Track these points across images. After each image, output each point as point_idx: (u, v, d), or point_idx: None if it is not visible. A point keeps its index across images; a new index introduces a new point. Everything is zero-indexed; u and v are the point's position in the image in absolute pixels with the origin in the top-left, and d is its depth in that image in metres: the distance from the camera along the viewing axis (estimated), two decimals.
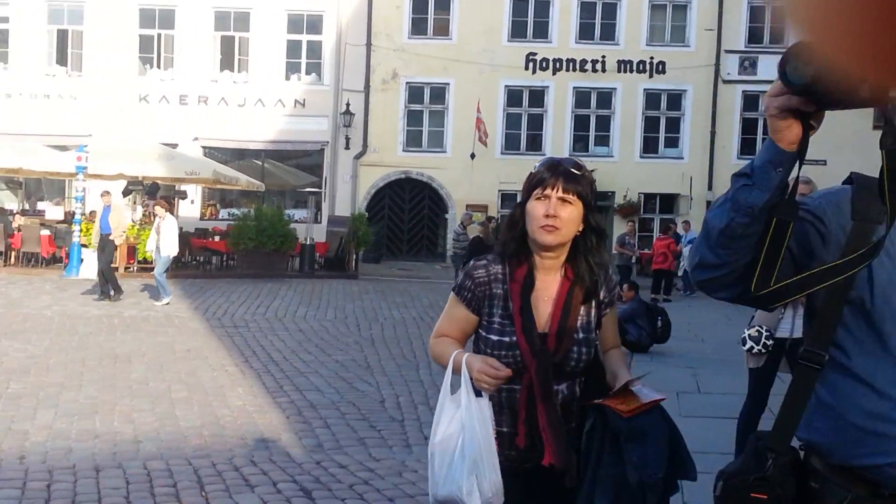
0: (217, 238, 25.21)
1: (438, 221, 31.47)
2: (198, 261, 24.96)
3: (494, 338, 3.16)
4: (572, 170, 3.11)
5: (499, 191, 30.45)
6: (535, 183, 3.12)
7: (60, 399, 9.12)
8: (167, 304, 16.54)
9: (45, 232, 22.56)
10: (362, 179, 30.56)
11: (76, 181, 22.13)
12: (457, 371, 3.14)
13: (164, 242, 16.97)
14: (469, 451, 3.02)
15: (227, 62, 30.58)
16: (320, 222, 28.14)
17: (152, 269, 22.11)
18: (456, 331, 3.30)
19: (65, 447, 7.49)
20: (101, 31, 29.80)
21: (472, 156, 29.99)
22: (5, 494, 6.20)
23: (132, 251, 22.18)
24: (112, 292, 16.89)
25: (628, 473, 2.92)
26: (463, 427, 3.05)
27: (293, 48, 30.60)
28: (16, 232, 22.55)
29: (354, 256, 25.52)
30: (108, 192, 18.53)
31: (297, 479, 6.81)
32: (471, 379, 3.07)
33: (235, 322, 14.96)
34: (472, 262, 3.30)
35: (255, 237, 23.38)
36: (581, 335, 3.17)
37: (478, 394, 3.07)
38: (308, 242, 24.71)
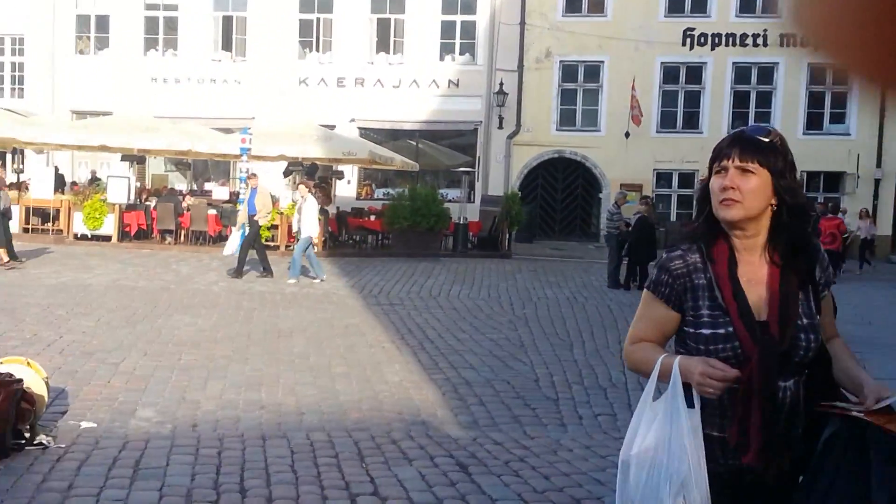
0: (372, 217, 25.73)
1: (592, 201, 31.21)
2: (354, 240, 25.54)
3: (706, 332, 2.82)
4: (756, 137, 2.81)
5: (654, 170, 29.95)
6: (714, 156, 2.86)
7: (228, 371, 9.54)
8: (293, 282, 16.84)
9: (212, 211, 23.53)
10: (515, 159, 30.57)
11: (240, 162, 22.96)
12: (664, 378, 2.80)
13: (304, 223, 17.28)
14: (676, 470, 2.71)
15: (382, 44, 31.08)
16: (473, 202, 28.32)
17: (311, 246, 22.81)
18: (655, 333, 2.97)
19: (233, 416, 7.83)
20: (263, 17, 30.77)
21: (627, 134, 29.56)
22: (180, 459, 6.54)
23: (290, 229, 22.85)
24: (235, 273, 17.27)
25: (875, 495, 2.63)
26: (668, 441, 2.74)
27: (447, 29, 30.82)
28: (185, 211, 23.60)
29: (507, 236, 25.59)
30: (254, 175, 19.04)
31: (454, 454, 6.92)
32: (683, 385, 2.74)
33: (391, 300, 15.26)
34: (664, 255, 2.98)
35: (409, 217, 23.75)
36: (805, 321, 2.80)
37: (689, 404, 2.74)
38: (461, 222, 24.92)
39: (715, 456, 2.79)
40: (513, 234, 26.14)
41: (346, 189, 30.38)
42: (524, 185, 30.28)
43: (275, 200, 24.33)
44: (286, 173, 26.63)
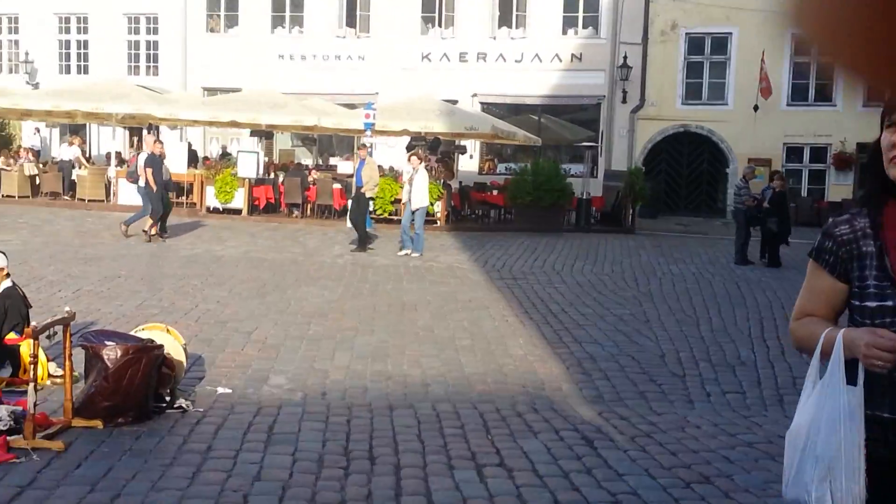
0: (495, 192, 25.74)
1: (718, 176, 30.50)
2: (476, 214, 25.63)
3: (872, 304, 2.57)
4: None
5: (783, 144, 29.07)
6: (885, 109, 2.56)
7: (355, 342, 9.73)
8: (406, 254, 16.94)
9: (337, 185, 23.93)
10: (640, 133, 30.11)
11: (364, 137, 23.26)
12: (827, 355, 2.57)
13: (415, 195, 17.32)
14: (825, 451, 2.52)
15: (504, 19, 30.94)
16: (596, 177, 28.02)
17: (434, 221, 22.98)
18: (822, 306, 2.71)
19: (361, 386, 8.00)
20: None
21: (756, 108, 28.74)
22: (311, 426, 6.72)
23: None
24: (358, 245, 17.48)
25: None
26: (821, 420, 2.54)
27: (570, 2, 30.47)
28: (311, 185, 24.07)
29: (631, 211, 25.26)
30: (363, 146, 19.14)
31: (579, 428, 6.92)
32: (848, 361, 2.52)
33: (514, 274, 15.27)
34: (830, 220, 2.74)
35: (532, 192, 23.66)
36: None
37: (850, 381, 2.51)
38: (584, 197, 24.72)
39: (881, 439, 2.55)
40: (636, 210, 25.77)
41: (469, 164, 30.46)
42: (648, 159, 29.80)
43: (397, 174, 24.62)
44: (409, 148, 26.85)
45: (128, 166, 22.84)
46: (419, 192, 17.25)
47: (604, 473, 5.88)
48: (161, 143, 19.25)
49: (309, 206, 24.01)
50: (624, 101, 29.95)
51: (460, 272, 15.39)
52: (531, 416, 7.23)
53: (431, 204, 23.09)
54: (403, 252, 17.10)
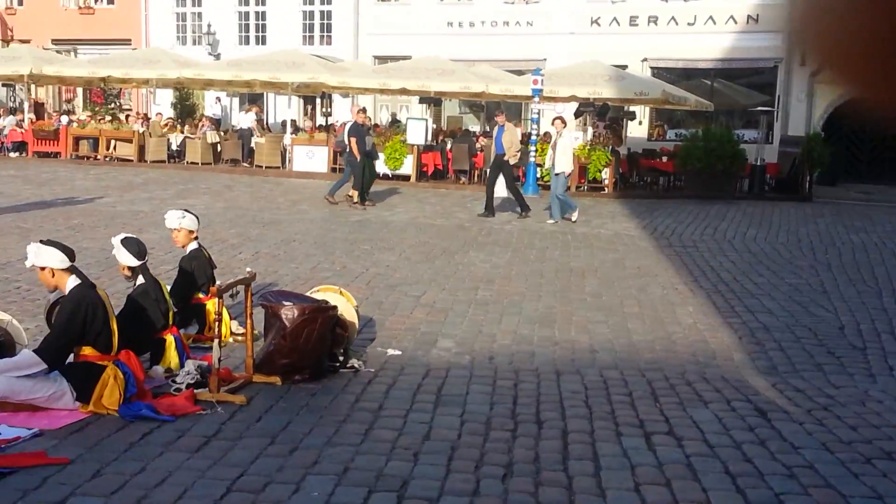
0: (664, 159, 25.21)
1: None
2: (645, 181, 25.20)
3: None
4: None
5: None
6: None
7: (522, 307, 9.77)
8: (554, 223, 16.73)
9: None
10: (818, 98, 28.81)
11: (532, 104, 23.18)
12: None
13: (559, 160, 17.04)
14: None
15: None
16: (771, 143, 27.04)
17: (601, 188, 22.75)
18: None
19: (528, 351, 8.04)
20: None
21: None
22: (479, 389, 6.81)
23: (583, 171, 22.90)
24: (486, 211, 17.42)
25: None
26: None
27: None
28: (479, 152, 24.21)
29: (808, 178, 24.28)
30: (501, 112, 18.96)
31: (752, 398, 6.75)
32: None
33: (683, 242, 14.97)
34: None
35: (703, 158, 23.07)
36: None
37: None
38: (758, 164, 23.92)
39: None
40: (814, 177, 24.76)
41: (638, 130, 29.94)
42: (827, 125, 28.52)
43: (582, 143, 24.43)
44: (577, 114, 26.58)
45: (335, 135, 23.57)
46: (563, 156, 17.02)
47: (778, 445, 5.72)
48: (365, 112, 19.71)
49: (476, 172, 24.16)
50: (803, 63, 28.66)
51: (628, 239, 15.19)
52: (701, 385, 7.10)
53: (599, 171, 22.87)
54: (573, 218, 16.95)
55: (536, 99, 22.52)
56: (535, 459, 5.38)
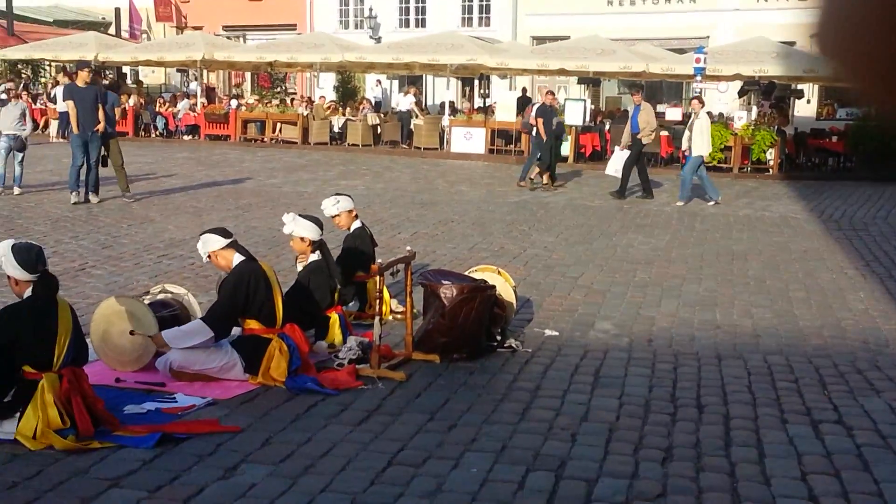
0: (834, 139, 24.19)
1: None
2: (812, 162, 24.26)
3: None
4: None
5: None
6: None
7: (682, 290, 9.59)
8: (681, 204, 16.29)
9: (664, 133, 23.51)
10: None
11: (693, 83, 22.63)
12: None
13: (695, 141, 16.48)
14: None
15: None
16: None
17: (766, 170, 22.04)
18: None
19: (688, 335, 7.89)
20: None
21: None
22: (637, 371, 6.73)
23: (746, 152, 22.23)
24: (619, 191, 17.07)
25: None
26: None
27: None
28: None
29: None
30: (637, 91, 18.46)
31: None
32: None
33: (854, 225, 14.35)
34: None
35: (877, 137, 22.01)
36: None
37: None
38: None
39: None
40: None
41: (806, 109, 28.81)
42: None
43: (728, 120, 23.77)
44: (741, 93, 25.84)
45: (522, 117, 23.74)
46: (699, 137, 16.49)
47: None
48: (552, 94, 19.76)
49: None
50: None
51: (794, 222, 14.68)
52: (873, 373, 6.81)
53: (764, 152, 22.14)
54: (678, 203, 16.50)
55: (699, 78, 21.97)
56: (696, 444, 5.29)
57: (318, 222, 7.46)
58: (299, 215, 7.46)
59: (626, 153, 17.43)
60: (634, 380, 6.53)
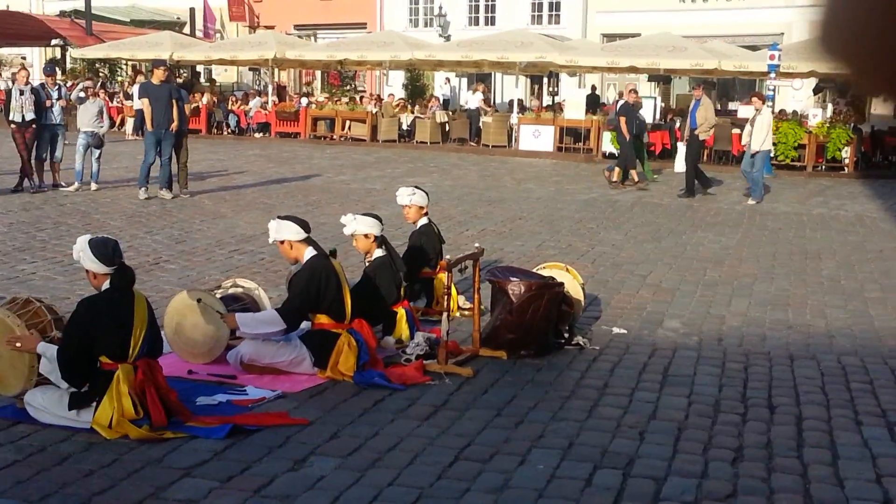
0: None
1: None
2: (889, 160, 23.71)
3: None
4: None
5: None
6: None
7: (753, 289, 9.45)
8: (754, 203, 15.99)
9: (736, 130, 23.17)
10: None
11: (767, 80, 22.27)
12: None
13: (756, 138, 16.16)
14: None
15: None
16: None
17: (842, 168, 21.60)
18: None
19: (759, 334, 7.77)
20: None
21: None
22: (707, 370, 6.65)
23: (821, 150, 21.81)
24: (697, 188, 16.81)
25: None
26: None
27: None
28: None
29: None
30: (699, 85, 18.17)
31: None
32: None
33: None
34: None
35: None
36: None
37: None
38: None
39: None
40: None
41: (883, 107, 28.15)
42: None
43: (802, 118, 23.35)
44: (816, 90, 25.37)
45: (605, 114, 23.67)
46: (760, 133, 16.18)
47: None
48: (636, 92, 19.67)
49: (705, 151, 23.48)
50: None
51: (869, 221, 14.37)
52: None
53: (839, 150, 21.69)
54: (752, 201, 16.21)
55: (773, 75, 21.63)
56: (767, 445, 5.21)
57: (377, 217, 7.50)
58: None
59: (683, 148, 17.31)
60: (704, 379, 6.46)
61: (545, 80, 33.23)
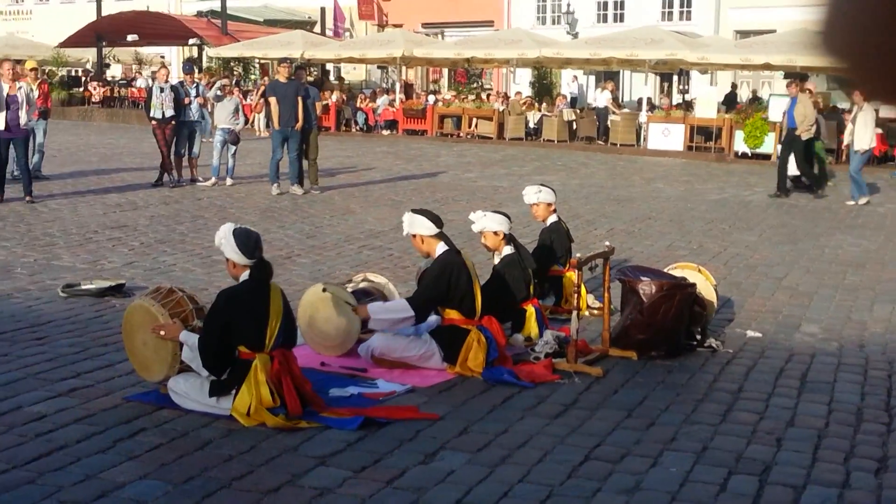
0: None
1: None
2: None
3: None
4: None
5: None
6: None
7: None
8: (860, 203, 15.32)
9: (878, 130, 22.28)
10: None
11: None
12: None
13: (859, 135, 15.37)
14: None
15: None
16: None
17: None
18: None
19: None
20: None
21: None
22: (847, 378, 6.41)
23: None
24: (778, 191, 16.30)
25: None
26: None
27: None
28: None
29: None
30: (793, 82, 17.30)
31: None
32: None
33: None
34: None
35: None
36: None
37: None
38: None
39: None
40: None
41: None
42: None
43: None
44: None
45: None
46: (863, 131, 15.41)
47: None
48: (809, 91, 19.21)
49: (843, 151, 22.65)
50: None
51: None
52: None
53: None
54: (859, 202, 15.49)
55: None
56: None
57: (505, 214, 7.50)
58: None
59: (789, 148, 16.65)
60: (845, 386, 6.23)
61: (675, 77, 32.65)
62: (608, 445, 5.05)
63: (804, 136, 16.66)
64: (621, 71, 32.86)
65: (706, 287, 7.38)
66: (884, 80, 0.71)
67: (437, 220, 6.58)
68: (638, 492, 4.47)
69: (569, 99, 31.30)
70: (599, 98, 29.67)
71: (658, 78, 33.32)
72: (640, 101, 28.92)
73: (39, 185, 14.61)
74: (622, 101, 31.81)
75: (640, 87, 31.92)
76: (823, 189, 16.68)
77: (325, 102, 27.77)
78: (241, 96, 25.70)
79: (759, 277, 9.73)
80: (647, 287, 6.80)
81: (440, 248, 6.50)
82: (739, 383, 6.24)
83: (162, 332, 5.37)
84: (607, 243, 7.47)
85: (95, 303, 7.89)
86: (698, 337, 7.08)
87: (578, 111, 28.85)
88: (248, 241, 5.45)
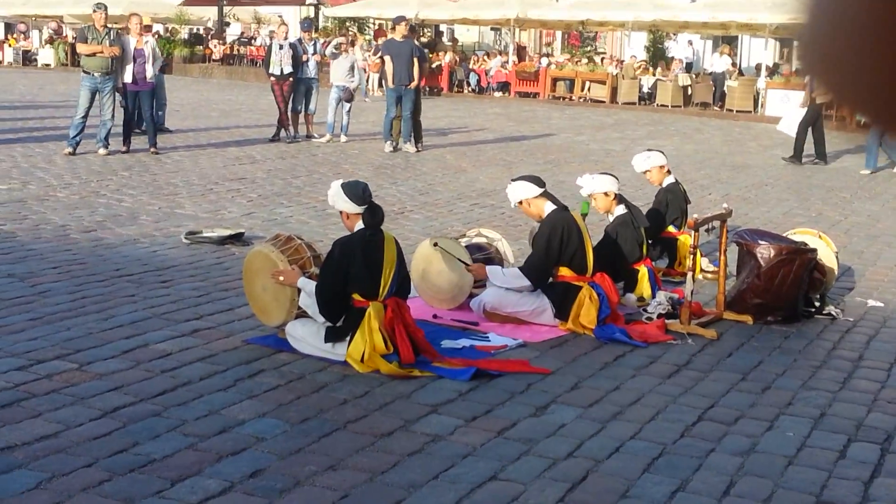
0: None
1: None
2: None
3: None
4: None
5: None
6: None
7: None
8: (867, 172, 14.76)
9: None
10: None
11: None
12: None
13: None
14: None
15: None
16: None
17: None
18: None
19: None
20: None
21: None
22: None
23: None
24: (794, 156, 15.83)
25: None
26: None
27: None
28: None
29: None
30: None
31: None
32: None
33: None
34: None
35: None
36: None
37: None
38: None
39: None
40: None
41: None
42: None
43: None
44: None
45: None
46: None
47: None
48: None
49: None
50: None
51: None
52: None
53: None
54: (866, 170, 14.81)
55: None
56: None
57: (613, 175, 7.43)
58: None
59: (802, 112, 15.98)
60: None
61: (796, 43, 31.63)
62: (722, 407, 4.99)
63: (819, 100, 15.95)
64: (739, 35, 31.99)
65: (827, 254, 7.19)
66: (861, 98, 0.70)
67: (537, 181, 6.57)
68: (753, 454, 4.41)
69: (684, 64, 30.62)
70: (718, 63, 28.95)
71: (778, 43, 32.33)
72: (758, 67, 28.13)
73: (163, 138, 15.05)
74: (739, 66, 30.98)
75: (759, 52, 31.01)
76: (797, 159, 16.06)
77: (437, 63, 27.86)
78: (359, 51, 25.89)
79: (881, 247, 9.44)
80: (765, 251, 6.66)
81: (548, 206, 6.47)
82: (860, 352, 6.08)
83: (281, 278, 5.50)
84: (725, 205, 7.33)
85: (216, 250, 8.13)
86: (817, 304, 6.92)
87: (694, 76, 28.23)
88: (356, 189, 5.54)
